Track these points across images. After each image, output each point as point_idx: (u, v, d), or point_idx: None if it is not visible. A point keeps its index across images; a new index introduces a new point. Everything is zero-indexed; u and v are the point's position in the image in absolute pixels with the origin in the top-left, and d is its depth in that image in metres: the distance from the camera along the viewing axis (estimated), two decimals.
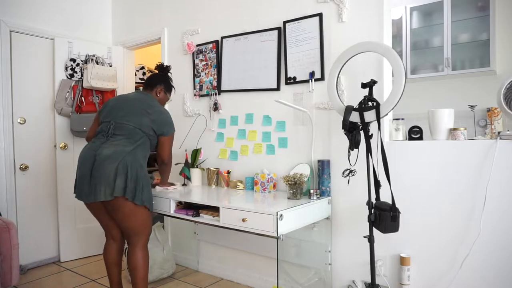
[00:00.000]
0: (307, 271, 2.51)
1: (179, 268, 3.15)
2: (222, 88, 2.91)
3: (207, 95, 3.01)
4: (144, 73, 4.30)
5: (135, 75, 4.13)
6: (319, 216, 2.25)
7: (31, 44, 3.23)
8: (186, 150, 3.00)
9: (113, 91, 3.53)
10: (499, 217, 1.85)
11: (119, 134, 2.18)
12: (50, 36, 3.32)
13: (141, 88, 2.96)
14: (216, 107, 2.95)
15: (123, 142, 2.15)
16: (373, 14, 2.20)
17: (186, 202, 2.34)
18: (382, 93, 2.13)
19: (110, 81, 3.43)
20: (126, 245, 2.40)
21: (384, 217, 1.80)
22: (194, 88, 3.11)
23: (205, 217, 2.20)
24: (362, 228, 2.18)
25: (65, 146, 3.36)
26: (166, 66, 2.63)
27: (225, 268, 2.93)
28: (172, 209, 2.37)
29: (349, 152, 1.95)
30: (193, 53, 3.10)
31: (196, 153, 2.89)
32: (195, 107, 3.12)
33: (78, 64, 3.38)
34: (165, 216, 2.96)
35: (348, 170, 1.99)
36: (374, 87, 1.96)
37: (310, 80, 2.42)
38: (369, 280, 2.01)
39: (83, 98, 3.36)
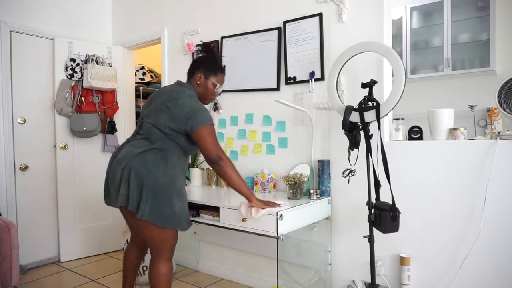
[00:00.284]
0: (307, 271, 2.51)
1: (179, 268, 3.15)
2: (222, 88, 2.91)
3: None
4: (144, 73, 4.30)
5: (135, 75, 4.13)
6: (319, 216, 2.25)
7: (31, 44, 3.23)
8: None
9: (113, 91, 3.53)
10: (499, 217, 1.85)
11: (141, 133, 1.95)
12: (50, 36, 3.32)
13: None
14: (216, 107, 2.95)
15: (137, 142, 1.90)
16: (373, 14, 2.20)
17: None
18: (382, 93, 2.13)
19: (110, 81, 3.43)
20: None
21: (384, 217, 1.80)
22: None
23: (205, 217, 2.20)
24: (362, 228, 2.18)
25: (65, 146, 3.35)
26: (208, 43, 2.12)
27: (225, 268, 2.93)
28: None
29: (349, 152, 1.95)
30: (193, 53, 3.10)
31: (196, 153, 2.89)
32: None
33: (78, 64, 3.38)
34: None
35: (348, 170, 1.99)
36: (374, 87, 1.96)
37: (310, 80, 2.42)
38: (369, 280, 2.01)
39: (83, 98, 3.36)
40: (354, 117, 1.92)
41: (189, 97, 1.93)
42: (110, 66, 3.55)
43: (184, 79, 3.14)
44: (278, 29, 2.59)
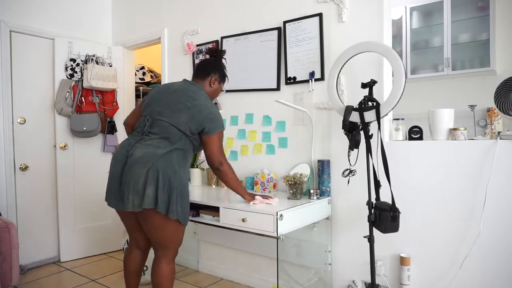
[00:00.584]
0: (307, 271, 2.51)
1: (179, 268, 3.14)
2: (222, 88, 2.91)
3: None
4: (144, 73, 4.30)
5: (135, 75, 4.13)
6: (319, 216, 2.25)
7: (31, 44, 3.23)
8: None
9: (113, 91, 3.53)
10: (499, 217, 1.85)
11: (154, 132, 1.90)
12: (50, 36, 3.32)
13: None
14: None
15: (157, 142, 1.86)
16: (373, 14, 2.20)
17: None
18: (382, 93, 2.13)
19: (110, 81, 3.43)
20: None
21: (384, 217, 1.80)
22: None
23: (205, 217, 2.20)
24: (362, 228, 2.18)
25: (65, 146, 3.35)
26: (222, 49, 2.20)
27: (225, 268, 2.93)
28: None
29: (349, 152, 1.95)
30: (193, 53, 3.10)
31: (196, 153, 2.89)
32: None
33: (78, 64, 3.38)
34: None
35: (348, 170, 1.99)
36: (374, 87, 1.96)
37: (310, 80, 2.42)
38: (369, 280, 2.01)
39: (83, 98, 3.36)
40: (354, 117, 1.92)
41: (206, 99, 1.99)
42: (110, 66, 3.55)
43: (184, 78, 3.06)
44: (278, 29, 2.59)
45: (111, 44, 3.75)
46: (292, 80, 2.51)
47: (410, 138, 2.16)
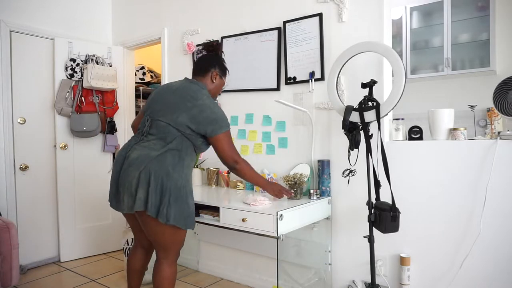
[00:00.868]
0: (307, 271, 2.51)
1: (179, 268, 3.14)
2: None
3: None
4: (144, 73, 4.30)
5: (135, 75, 4.13)
6: (319, 216, 2.25)
7: (31, 44, 3.23)
8: None
9: (113, 91, 3.53)
10: (499, 217, 1.85)
11: (152, 133, 1.87)
12: (50, 36, 3.32)
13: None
14: None
15: (153, 144, 1.83)
16: (373, 14, 2.20)
17: None
18: (382, 93, 2.13)
19: (110, 81, 3.43)
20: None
21: (384, 217, 1.80)
22: None
23: (205, 217, 2.20)
24: (362, 228, 2.18)
25: (65, 146, 3.35)
26: (219, 43, 2.14)
27: (225, 268, 2.93)
28: None
29: (349, 152, 1.95)
30: (193, 53, 3.10)
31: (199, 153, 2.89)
32: None
33: (78, 64, 3.38)
34: None
35: (348, 170, 1.99)
36: (374, 87, 1.95)
37: (310, 80, 2.42)
38: (369, 280, 2.01)
39: (83, 98, 3.36)
40: (354, 117, 1.92)
41: (208, 98, 1.92)
42: (110, 66, 3.55)
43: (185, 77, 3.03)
44: (278, 29, 2.59)
45: (111, 44, 3.75)
46: (292, 80, 2.51)
47: (410, 138, 2.16)
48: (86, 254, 3.49)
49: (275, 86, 2.61)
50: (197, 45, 3.07)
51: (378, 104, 1.86)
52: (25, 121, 3.19)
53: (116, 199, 1.88)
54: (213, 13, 2.99)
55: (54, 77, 3.32)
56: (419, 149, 2.07)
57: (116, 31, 3.82)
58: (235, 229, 2.03)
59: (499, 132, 1.92)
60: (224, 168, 2.86)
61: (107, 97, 3.49)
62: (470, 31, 3.45)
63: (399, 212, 1.80)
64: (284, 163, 2.57)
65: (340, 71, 2.07)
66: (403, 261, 2.08)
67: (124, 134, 3.68)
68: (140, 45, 3.66)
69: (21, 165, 3.17)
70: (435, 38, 3.61)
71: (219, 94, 2.15)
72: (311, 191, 2.24)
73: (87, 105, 3.38)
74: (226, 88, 2.85)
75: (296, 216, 2.01)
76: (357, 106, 1.94)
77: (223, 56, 2.13)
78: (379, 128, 1.90)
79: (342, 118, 1.92)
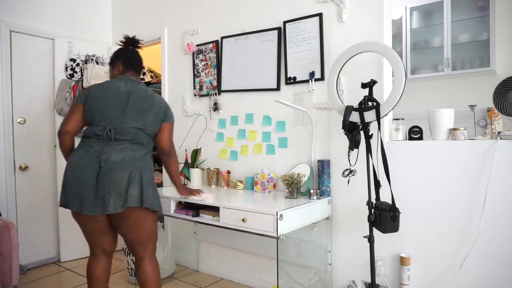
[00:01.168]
0: (307, 271, 2.51)
1: (179, 268, 3.14)
2: (222, 88, 2.91)
3: (207, 95, 3.01)
4: (144, 73, 4.29)
5: None
6: (319, 216, 2.25)
7: (31, 44, 3.23)
8: (186, 150, 3.00)
9: None
10: (499, 217, 1.85)
11: (123, 139, 1.90)
12: (50, 36, 3.32)
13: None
14: (216, 107, 2.95)
15: (130, 146, 1.89)
16: (373, 14, 2.20)
17: (186, 202, 2.34)
18: (382, 93, 2.13)
19: None
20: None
21: (384, 217, 1.80)
22: (194, 88, 3.11)
23: (205, 217, 2.20)
24: (362, 228, 2.18)
25: None
26: (136, 38, 2.27)
27: (225, 268, 2.93)
28: (172, 209, 2.37)
29: (349, 152, 1.95)
30: (193, 53, 3.10)
31: (196, 153, 2.89)
32: (195, 107, 3.12)
33: (78, 64, 3.38)
34: (165, 216, 2.96)
35: (348, 170, 1.99)
36: (374, 87, 1.96)
37: (310, 80, 2.42)
38: (369, 280, 2.01)
39: None
40: (354, 117, 1.92)
41: (155, 93, 2.10)
42: None
43: (184, 78, 3.14)
44: (278, 29, 2.59)
45: (111, 44, 3.75)
46: (292, 80, 2.51)
47: (410, 138, 2.16)
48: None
49: (275, 86, 2.61)
50: (197, 45, 3.06)
51: (378, 104, 1.86)
52: (25, 121, 3.19)
53: (91, 202, 1.81)
54: (213, 13, 2.99)
55: (54, 77, 3.32)
56: (419, 149, 2.07)
57: (116, 31, 3.82)
58: (235, 229, 2.03)
59: (499, 132, 1.93)
60: (224, 168, 2.87)
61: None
62: (470, 31, 3.45)
63: (399, 212, 1.80)
64: (284, 163, 2.57)
65: (340, 71, 2.07)
66: (403, 261, 2.08)
67: None
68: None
69: (21, 165, 3.17)
70: (435, 38, 3.61)
71: None
72: (311, 191, 2.23)
73: None
74: (225, 88, 2.88)
75: (296, 216, 2.01)
76: (357, 106, 1.94)
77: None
78: (379, 128, 1.90)
79: (342, 118, 1.92)
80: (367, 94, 1.94)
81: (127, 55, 2.15)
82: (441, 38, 3.54)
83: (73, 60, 3.36)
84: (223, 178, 2.78)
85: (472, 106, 2.57)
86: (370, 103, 1.90)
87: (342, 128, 1.93)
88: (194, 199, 2.20)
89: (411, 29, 3.73)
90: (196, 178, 2.87)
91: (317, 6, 2.40)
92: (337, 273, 2.37)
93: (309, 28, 2.42)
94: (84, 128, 1.99)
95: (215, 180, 2.84)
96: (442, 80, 3.66)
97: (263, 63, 2.67)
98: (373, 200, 1.91)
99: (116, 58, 2.13)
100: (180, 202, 2.38)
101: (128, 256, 2.84)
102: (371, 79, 1.94)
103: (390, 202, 1.81)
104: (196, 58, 3.08)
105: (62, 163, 3.33)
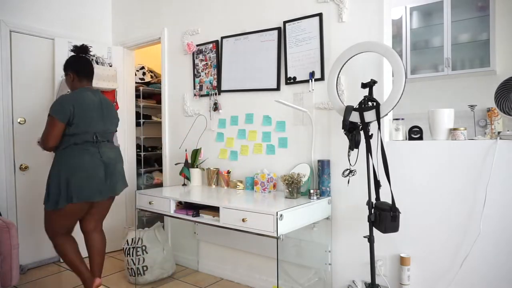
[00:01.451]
0: (307, 271, 2.51)
1: (179, 268, 3.14)
2: (222, 88, 2.91)
3: (207, 95, 3.01)
4: (144, 73, 4.29)
5: (135, 75, 4.13)
6: (319, 216, 2.25)
7: (31, 44, 3.23)
8: (186, 150, 3.00)
9: (113, 91, 3.53)
10: (499, 217, 1.85)
11: (105, 140, 2.41)
12: (50, 36, 3.32)
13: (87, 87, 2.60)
14: (216, 107, 2.95)
15: (111, 145, 2.46)
16: (373, 14, 2.20)
17: (186, 202, 2.34)
18: (382, 93, 2.13)
19: (110, 81, 3.43)
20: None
21: (384, 217, 1.80)
22: (194, 88, 3.11)
23: (205, 217, 2.21)
24: (362, 228, 2.18)
25: None
26: (86, 46, 2.49)
27: (225, 268, 2.93)
28: (172, 209, 2.37)
29: (349, 152, 1.95)
30: (193, 53, 3.10)
31: (196, 153, 2.89)
32: (195, 107, 3.12)
33: None
34: (165, 216, 2.96)
35: (348, 170, 1.99)
36: (374, 87, 1.96)
37: (310, 80, 2.42)
38: (369, 280, 2.01)
39: None
40: (354, 117, 1.92)
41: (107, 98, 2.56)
42: (110, 66, 3.55)
43: (184, 78, 3.17)
44: (278, 29, 2.59)
45: (111, 44, 3.75)
46: (292, 80, 2.51)
47: (410, 138, 2.16)
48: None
49: (275, 86, 2.61)
50: (197, 45, 3.06)
51: (378, 104, 1.86)
52: (25, 121, 3.19)
53: (104, 190, 2.33)
54: (213, 13, 2.99)
55: (54, 77, 3.33)
56: (419, 149, 2.07)
57: (116, 31, 3.82)
58: (235, 229, 2.03)
59: (499, 132, 1.92)
60: (224, 168, 2.87)
61: (107, 97, 3.48)
62: (470, 31, 3.46)
63: (399, 212, 1.80)
64: (284, 163, 2.57)
65: (340, 71, 2.07)
66: (403, 261, 2.08)
67: (124, 134, 3.68)
68: (140, 45, 3.66)
69: (21, 165, 3.17)
70: (435, 38, 3.61)
71: None
72: (311, 191, 2.24)
73: None
74: (225, 88, 2.88)
75: (296, 216, 2.01)
76: (357, 106, 1.94)
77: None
78: (379, 128, 1.90)
79: (342, 118, 1.92)
80: (367, 94, 1.94)
81: (79, 65, 2.42)
82: (441, 38, 3.55)
83: None
84: (223, 178, 2.78)
85: (472, 106, 2.57)
86: (370, 103, 1.90)
87: (342, 128, 1.93)
88: None
89: (411, 29, 3.73)
90: (196, 178, 2.87)
91: (317, 6, 2.40)
92: (337, 273, 2.37)
93: (309, 28, 2.42)
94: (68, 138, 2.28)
95: (215, 180, 2.84)
96: (442, 80, 3.67)
97: (263, 63, 2.67)
98: (373, 200, 1.91)
99: (68, 67, 2.42)
100: (180, 202, 2.38)
101: (128, 256, 2.84)
102: (371, 79, 1.94)
103: (390, 202, 1.81)
104: (196, 58, 3.08)
105: None
